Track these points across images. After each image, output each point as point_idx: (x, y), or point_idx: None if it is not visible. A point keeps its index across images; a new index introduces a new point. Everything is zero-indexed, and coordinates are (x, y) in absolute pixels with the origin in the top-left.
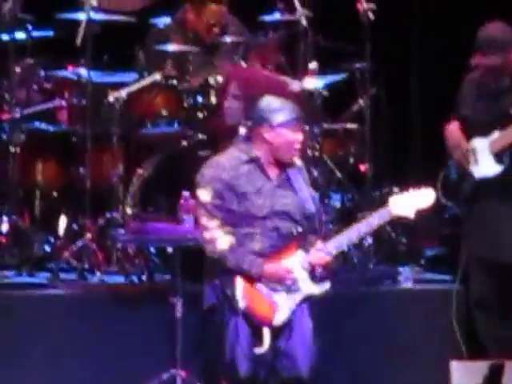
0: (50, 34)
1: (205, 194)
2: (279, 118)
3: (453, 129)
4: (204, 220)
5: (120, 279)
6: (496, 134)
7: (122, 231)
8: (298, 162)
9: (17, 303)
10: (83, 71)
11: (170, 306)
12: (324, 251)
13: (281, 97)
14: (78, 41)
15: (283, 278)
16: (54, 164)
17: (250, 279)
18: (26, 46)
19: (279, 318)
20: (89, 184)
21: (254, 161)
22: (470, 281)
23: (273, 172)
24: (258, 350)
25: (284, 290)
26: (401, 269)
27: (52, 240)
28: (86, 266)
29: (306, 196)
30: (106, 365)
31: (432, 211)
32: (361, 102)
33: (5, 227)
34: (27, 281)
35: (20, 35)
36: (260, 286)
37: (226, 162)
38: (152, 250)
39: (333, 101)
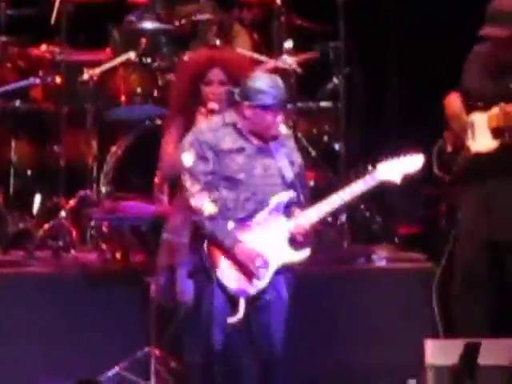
0: (25, 12)
1: (187, 159)
2: (260, 100)
3: (454, 99)
4: (188, 184)
5: (94, 258)
6: (496, 110)
7: (96, 210)
8: (284, 130)
9: None
10: (57, 49)
11: (144, 284)
12: (304, 219)
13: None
14: (53, 19)
15: (251, 261)
16: (28, 142)
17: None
18: (0, 24)
19: (255, 287)
20: (63, 162)
21: (234, 125)
22: (456, 257)
23: (253, 139)
24: (232, 320)
25: (262, 259)
26: (375, 248)
27: (26, 218)
28: (61, 244)
29: (285, 164)
30: (79, 343)
31: (407, 191)
32: (335, 80)
33: None
34: (1, 259)
35: None
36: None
37: (206, 126)
38: (126, 228)
39: (307, 79)
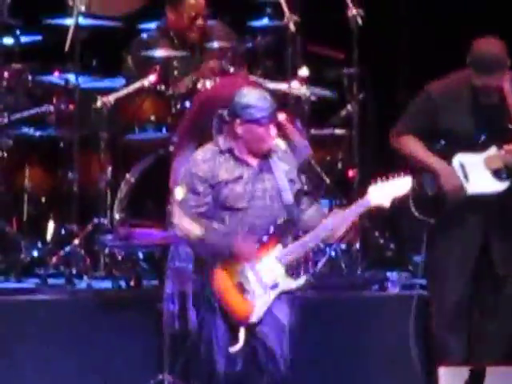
0: (38, 39)
1: (179, 193)
2: (250, 114)
3: (416, 143)
4: (176, 217)
5: (108, 285)
6: (493, 150)
7: (109, 237)
8: (283, 146)
9: (4, 309)
10: (71, 76)
11: (157, 311)
12: (301, 245)
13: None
14: (66, 46)
15: (251, 254)
16: (41, 169)
17: (227, 275)
18: (14, 51)
19: (256, 316)
20: (76, 189)
21: (229, 151)
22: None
23: (252, 160)
24: (233, 349)
25: (260, 287)
26: (388, 274)
27: (40, 245)
28: (74, 271)
29: (284, 184)
30: (93, 371)
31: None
32: (349, 107)
33: None
34: (15, 286)
35: (7, 40)
36: (238, 283)
37: (200, 156)
38: (140, 255)
39: (320, 106)
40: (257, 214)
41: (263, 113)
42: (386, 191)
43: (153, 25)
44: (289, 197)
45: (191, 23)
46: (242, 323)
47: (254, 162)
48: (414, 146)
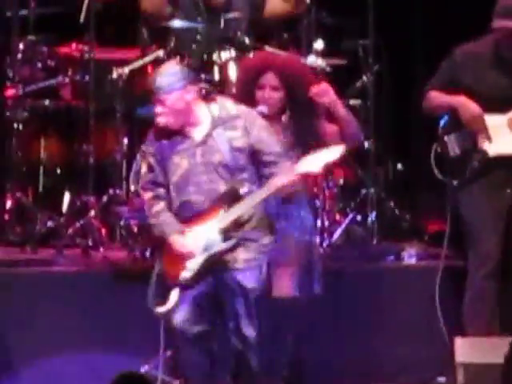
0: (53, 10)
1: (143, 167)
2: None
3: (467, 100)
4: (141, 191)
5: (123, 256)
6: None
7: (125, 208)
8: (232, 110)
9: (20, 280)
10: (86, 48)
11: None
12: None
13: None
14: (81, 17)
15: (182, 255)
16: (57, 141)
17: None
18: (29, 23)
19: (183, 276)
20: (92, 161)
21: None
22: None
23: (194, 131)
24: (161, 309)
25: (195, 250)
26: (405, 245)
27: (56, 217)
28: (90, 242)
29: (226, 151)
30: (108, 341)
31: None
32: (364, 78)
33: (8, 204)
34: (30, 257)
35: (23, 12)
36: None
37: (153, 134)
38: None
39: (336, 77)
40: (198, 185)
41: (156, 89)
42: (316, 159)
43: None
44: (231, 162)
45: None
46: (173, 283)
47: (193, 133)
48: (436, 96)
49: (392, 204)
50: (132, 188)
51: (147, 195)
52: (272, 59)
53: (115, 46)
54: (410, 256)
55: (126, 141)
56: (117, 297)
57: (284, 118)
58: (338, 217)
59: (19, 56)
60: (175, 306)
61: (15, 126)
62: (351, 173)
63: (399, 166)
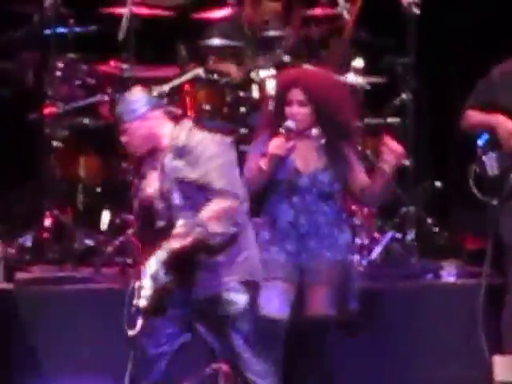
0: (92, 28)
1: None
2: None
3: (505, 119)
4: None
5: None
6: None
7: None
8: (182, 141)
9: (59, 298)
10: (125, 66)
11: None
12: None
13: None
14: (120, 35)
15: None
16: (96, 159)
17: None
18: (68, 41)
19: (137, 303)
20: (131, 178)
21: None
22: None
23: (152, 159)
24: (131, 333)
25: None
26: (443, 263)
27: (94, 235)
28: (128, 260)
29: (170, 187)
30: None
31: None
32: (403, 96)
33: (47, 222)
34: (70, 275)
35: (62, 30)
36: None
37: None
38: None
39: (374, 95)
40: (157, 212)
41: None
42: None
43: (206, 15)
44: (173, 199)
45: (263, 25)
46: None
47: (153, 160)
48: (474, 115)
49: (430, 221)
50: None
51: None
52: (299, 75)
53: (154, 64)
54: (449, 274)
55: None
56: None
57: (314, 132)
58: (376, 235)
59: (58, 74)
60: (141, 333)
61: (54, 144)
62: (390, 192)
63: (438, 183)
